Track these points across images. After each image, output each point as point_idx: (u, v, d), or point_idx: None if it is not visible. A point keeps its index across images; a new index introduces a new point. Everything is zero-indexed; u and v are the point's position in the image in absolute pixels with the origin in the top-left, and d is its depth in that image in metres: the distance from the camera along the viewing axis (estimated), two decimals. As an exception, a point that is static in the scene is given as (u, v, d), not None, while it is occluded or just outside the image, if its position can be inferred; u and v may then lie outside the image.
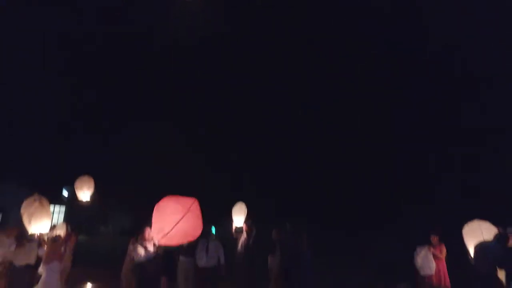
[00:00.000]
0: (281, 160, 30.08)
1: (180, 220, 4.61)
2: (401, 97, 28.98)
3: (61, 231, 7.04)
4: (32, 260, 6.80)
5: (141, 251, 5.50)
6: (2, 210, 18.82)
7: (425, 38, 29.32)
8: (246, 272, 7.89)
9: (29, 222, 6.17)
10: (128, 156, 28.17)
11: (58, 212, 24.45)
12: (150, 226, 5.18)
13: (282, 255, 7.10)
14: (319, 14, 31.65)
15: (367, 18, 30.71)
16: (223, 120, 32.25)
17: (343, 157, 28.93)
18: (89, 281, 9.05)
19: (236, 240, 8.93)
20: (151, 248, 5.50)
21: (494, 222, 5.95)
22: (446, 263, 7.09)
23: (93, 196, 9.03)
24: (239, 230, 8.84)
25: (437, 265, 6.93)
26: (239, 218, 8.80)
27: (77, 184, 8.83)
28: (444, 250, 7.12)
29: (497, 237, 5.68)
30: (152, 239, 5.52)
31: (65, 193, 25.79)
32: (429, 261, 6.88)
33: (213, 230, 7.26)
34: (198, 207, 4.91)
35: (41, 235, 6.27)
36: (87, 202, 8.88)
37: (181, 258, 6.91)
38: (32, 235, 6.35)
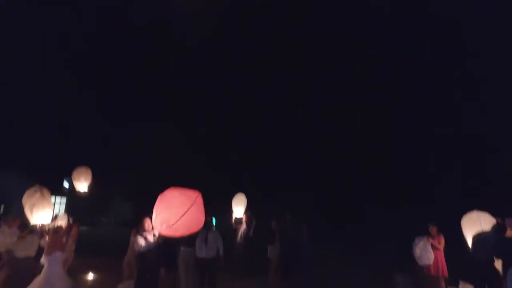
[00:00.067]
0: (281, 160, 30.05)
1: (185, 212, 4.67)
2: (401, 97, 28.96)
3: (62, 222, 7.10)
4: (32, 252, 6.86)
5: (141, 241, 5.54)
6: (4, 201, 18.91)
7: (425, 38, 29.39)
8: (245, 262, 7.96)
9: (31, 213, 6.23)
10: (128, 156, 28.22)
11: (59, 203, 24.67)
12: (150, 217, 5.24)
13: (282, 245, 7.14)
14: (319, 14, 31.75)
15: (367, 18, 30.78)
16: (223, 120, 32.22)
17: (343, 157, 28.89)
18: (90, 271, 9.09)
19: (235, 231, 9.00)
20: (151, 238, 5.55)
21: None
22: (445, 254, 7.13)
23: (91, 187, 9.09)
24: (239, 220, 8.89)
25: (436, 255, 6.98)
26: (239, 209, 8.85)
27: (75, 175, 8.87)
28: (443, 241, 7.18)
29: (495, 228, 5.73)
30: (152, 230, 5.58)
31: (66, 184, 25.93)
32: (428, 251, 6.93)
33: (214, 221, 7.29)
34: (202, 200, 4.98)
35: (42, 225, 6.32)
36: (85, 193, 8.92)
37: (182, 248, 6.98)
38: (34, 226, 6.40)
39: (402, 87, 29.27)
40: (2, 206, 19.89)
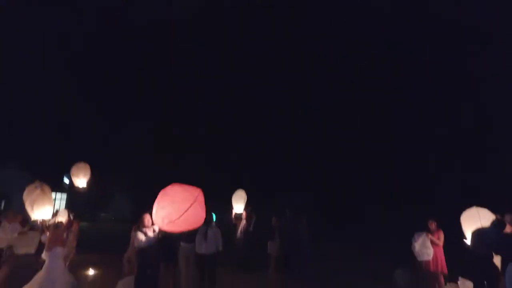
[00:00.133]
0: (281, 160, 30.06)
1: (188, 208, 4.69)
2: (401, 97, 29.00)
3: (63, 218, 7.11)
4: (32, 249, 6.88)
5: (141, 237, 5.56)
6: (5, 197, 18.96)
7: (425, 38, 29.43)
8: (245, 257, 7.99)
9: (32, 208, 6.24)
10: (128, 156, 28.24)
11: (60, 199, 24.75)
12: (150, 213, 5.26)
13: (282, 241, 7.16)
14: (319, 14, 31.80)
15: (367, 18, 30.84)
16: (223, 120, 32.25)
17: (343, 157, 28.92)
18: (91, 267, 9.11)
19: (235, 226, 9.02)
20: (151, 234, 5.57)
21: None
22: (444, 250, 7.14)
23: (90, 183, 9.09)
24: (239, 216, 8.92)
25: (435, 251, 6.98)
26: (238, 205, 8.87)
27: (73, 171, 8.87)
28: (442, 237, 7.17)
29: (494, 223, 5.73)
30: (151, 225, 5.60)
31: (66, 180, 25.99)
32: (427, 247, 6.93)
33: (214, 217, 7.30)
34: (203, 197, 5.00)
35: (43, 221, 6.34)
36: (83, 188, 8.93)
37: (182, 244, 7.00)
38: (35, 222, 6.42)
39: (402, 87, 29.31)
40: (3, 202, 20.00)
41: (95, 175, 9.27)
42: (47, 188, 6.41)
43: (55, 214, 7.19)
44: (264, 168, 28.96)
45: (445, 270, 7.03)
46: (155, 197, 4.94)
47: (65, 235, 6.08)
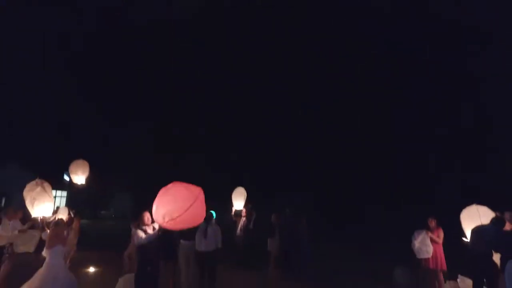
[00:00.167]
0: (281, 160, 30.07)
1: (190, 206, 4.70)
2: (401, 97, 29.04)
3: (63, 215, 7.11)
4: (31, 247, 6.88)
5: (141, 234, 5.56)
6: (6, 194, 18.97)
7: (425, 38, 29.46)
8: (245, 254, 7.99)
9: (32, 206, 6.24)
10: (128, 156, 28.26)
11: (60, 197, 24.78)
12: (149, 211, 5.27)
13: (281, 238, 7.16)
14: (319, 14, 31.84)
15: (367, 18, 30.88)
16: (223, 120, 32.27)
17: (343, 157, 28.93)
18: (91, 264, 9.11)
19: (235, 223, 9.02)
20: (150, 231, 5.58)
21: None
22: (444, 248, 7.13)
23: (89, 180, 9.09)
24: (238, 213, 8.93)
25: (435, 249, 6.98)
26: (238, 202, 8.88)
27: (72, 168, 8.88)
28: (442, 234, 7.17)
29: (493, 221, 5.73)
30: (150, 223, 5.61)
31: (66, 178, 26.02)
32: (427, 245, 6.93)
33: (214, 215, 7.31)
34: (203, 195, 5.02)
35: (44, 218, 6.33)
36: (82, 185, 8.93)
37: (182, 241, 7.01)
38: (35, 220, 6.42)
39: (402, 87, 29.35)
40: (3, 200, 20.03)
41: (95, 175, 9.27)
42: (47, 186, 6.41)
43: (55, 211, 7.20)
44: (264, 168, 28.96)
45: (445, 268, 7.03)
46: (155, 197, 4.95)
47: (65, 232, 6.08)
